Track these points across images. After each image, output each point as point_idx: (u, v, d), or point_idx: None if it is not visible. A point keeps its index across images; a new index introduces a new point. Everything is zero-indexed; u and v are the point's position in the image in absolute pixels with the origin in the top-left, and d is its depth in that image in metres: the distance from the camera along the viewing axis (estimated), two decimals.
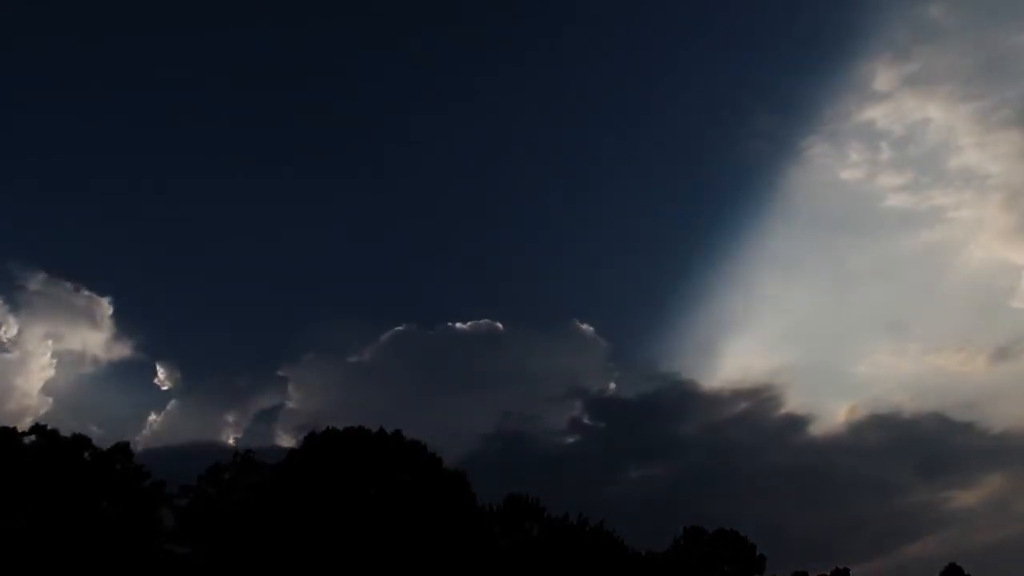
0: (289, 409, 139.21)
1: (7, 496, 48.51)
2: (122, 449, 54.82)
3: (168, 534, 54.90)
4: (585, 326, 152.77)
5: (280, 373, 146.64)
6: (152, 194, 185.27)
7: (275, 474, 58.01)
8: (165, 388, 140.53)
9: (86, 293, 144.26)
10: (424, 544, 53.87)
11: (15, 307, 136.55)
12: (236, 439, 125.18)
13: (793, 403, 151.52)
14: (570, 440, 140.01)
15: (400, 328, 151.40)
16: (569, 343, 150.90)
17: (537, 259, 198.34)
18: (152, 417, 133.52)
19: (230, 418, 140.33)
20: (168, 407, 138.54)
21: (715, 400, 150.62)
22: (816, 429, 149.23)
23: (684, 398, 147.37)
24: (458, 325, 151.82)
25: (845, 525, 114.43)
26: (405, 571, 52.65)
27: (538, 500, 65.62)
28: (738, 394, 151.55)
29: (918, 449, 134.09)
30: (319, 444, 58.74)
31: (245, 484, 58.19)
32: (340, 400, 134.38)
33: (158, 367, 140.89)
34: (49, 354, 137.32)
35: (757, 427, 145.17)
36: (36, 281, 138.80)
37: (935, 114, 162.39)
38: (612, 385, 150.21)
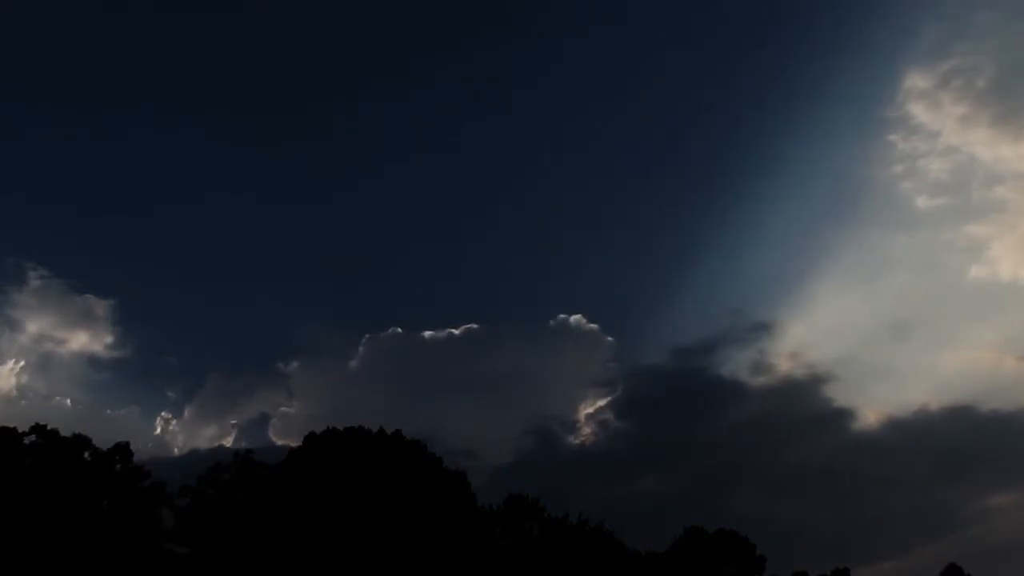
0: (284, 413, 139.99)
1: (7, 496, 48.49)
2: (122, 449, 54.85)
3: (168, 534, 54.88)
4: (592, 325, 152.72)
5: (277, 377, 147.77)
6: (153, 202, 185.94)
7: (275, 474, 58.01)
8: (162, 390, 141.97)
9: (86, 295, 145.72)
10: (424, 544, 53.85)
11: (16, 307, 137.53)
12: (233, 441, 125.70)
13: (826, 399, 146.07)
14: (589, 441, 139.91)
15: (398, 332, 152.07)
16: (576, 342, 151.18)
17: (547, 262, 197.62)
18: (148, 419, 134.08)
19: (227, 421, 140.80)
20: (165, 410, 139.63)
21: (743, 396, 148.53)
22: (847, 426, 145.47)
23: (710, 393, 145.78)
24: (449, 330, 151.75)
25: (876, 522, 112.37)
26: (405, 571, 52.61)
27: (538, 500, 65.61)
28: (769, 390, 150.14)
29: (950, 446, 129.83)
30: (319, 444, 58.72)
31: (245, 484, 58.20)
32: (339, 405, 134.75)
33: (154, 371, 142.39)
34: (49, 355, 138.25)
35: (788, 422, 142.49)
36: (37, 282, 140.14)
37: (970, 111, 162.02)
38: (620, 387, 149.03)
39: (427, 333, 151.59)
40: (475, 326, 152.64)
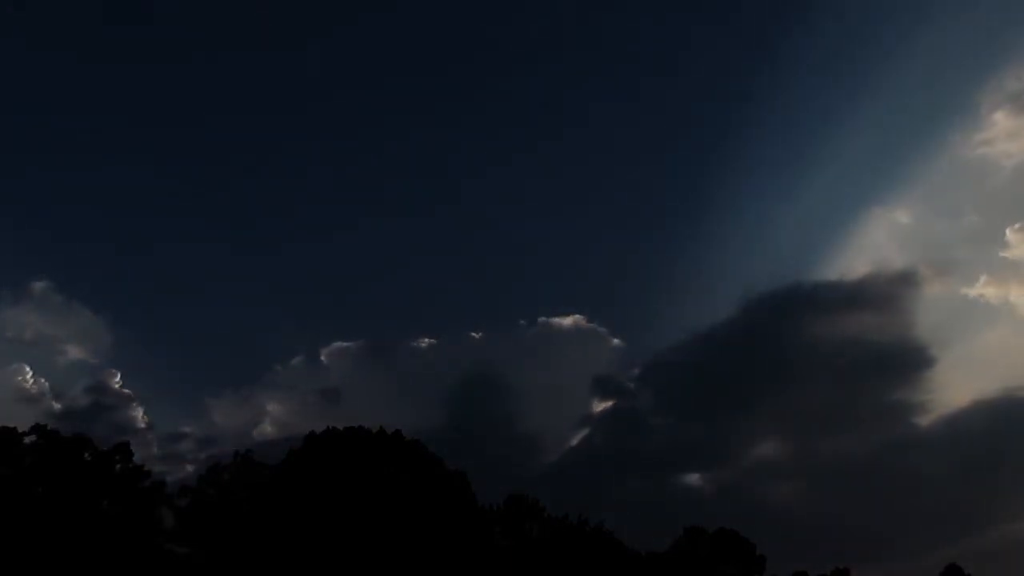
0: (283, 417, 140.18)
1: (7, 496, 48.53)
2: (122, 449, 54.90)
3: (168, 534, 54.95)
4: (600, 328, 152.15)
5: (276, 381, 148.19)
6: (152, 211, 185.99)
7: (275, 474, 58.05)
8: (160, 396, 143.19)
9: (83, 305, 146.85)
10: (424, 544, 53.88)
11: (15, 316, 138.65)
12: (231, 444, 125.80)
13: (868, 388, 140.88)
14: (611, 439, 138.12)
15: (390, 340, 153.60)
16: (577, 342, 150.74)
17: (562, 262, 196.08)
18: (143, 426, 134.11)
19: (226, 425, 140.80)
20: (165, 415, 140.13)
21: (770, 384, 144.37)
22: (903, 418, 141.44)
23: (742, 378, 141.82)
24: (426, 340, 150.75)
25: (916, 519, 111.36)
26: (405, 571, 52.64)
27: (538, 500, 65.68)
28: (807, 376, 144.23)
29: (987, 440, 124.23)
30: (319, 444, 58.74)
31: (245, 484, 58.27)
32: (346, 410, 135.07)
33: (151, 376, 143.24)
34: (45, 362, 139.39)
35: (827, 410, 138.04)
36: (37, 292, 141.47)
37: None
38: (639, 381, 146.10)
39: (420, 341, 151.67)
40: (476, 334, 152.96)
